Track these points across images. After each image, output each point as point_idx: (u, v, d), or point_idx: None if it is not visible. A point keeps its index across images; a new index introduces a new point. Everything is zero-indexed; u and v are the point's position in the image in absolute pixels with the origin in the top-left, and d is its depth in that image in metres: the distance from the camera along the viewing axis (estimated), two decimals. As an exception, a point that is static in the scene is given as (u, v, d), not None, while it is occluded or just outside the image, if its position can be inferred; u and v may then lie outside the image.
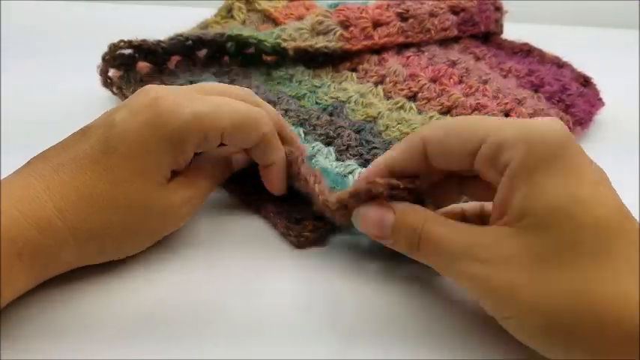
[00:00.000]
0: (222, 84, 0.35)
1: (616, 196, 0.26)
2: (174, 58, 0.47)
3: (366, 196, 0.30)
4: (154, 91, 0.30)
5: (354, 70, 0.48)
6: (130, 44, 0.45)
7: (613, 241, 0.24)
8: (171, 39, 0.46)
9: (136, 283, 0.32)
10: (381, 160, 0.30)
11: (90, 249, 0.29)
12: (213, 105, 0.31)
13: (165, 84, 0.44)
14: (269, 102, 0.42)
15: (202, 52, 0.48)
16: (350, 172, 0.38)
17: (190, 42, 0.46)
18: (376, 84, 0.46)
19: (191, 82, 0.44)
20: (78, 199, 0.28)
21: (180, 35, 0.46)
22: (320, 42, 0.47)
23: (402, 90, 0.45)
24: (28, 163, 0.30)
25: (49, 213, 0.27)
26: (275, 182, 0.35)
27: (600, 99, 0.49)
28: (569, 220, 0.24)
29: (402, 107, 0.44)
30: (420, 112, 0.43)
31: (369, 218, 0.29)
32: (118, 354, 0.28)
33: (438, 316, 0.31)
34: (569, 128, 0.44)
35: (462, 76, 0.46)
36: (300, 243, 0.35)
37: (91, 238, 0.29)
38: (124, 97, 0.44)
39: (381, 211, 0.29)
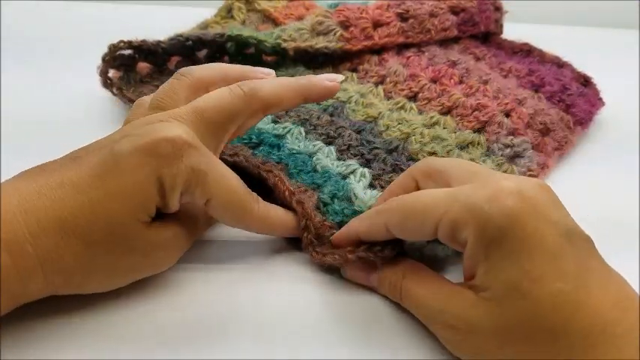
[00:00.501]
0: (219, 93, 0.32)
1: (578, 263, 0.26)
2: (175, 59, 0.47)
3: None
4: (162, 130, 0.29)
5: (354, 70, 0.48)
6: (129, 45, 0.44)
7: (570, 316, 0.25)
8: (171, 39, 0.46)
9: (141, 290, 0.31)
10: (350, 230, 0.32)
11: (56, 281, 0.27)
12: (211, 170, 0.29)
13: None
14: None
15: (202, 53, 0.47)
16: (351, 172, 0.38)
17: (190, 42, 0.46)
18: (376, 84, 0.46)
19: None
20: (54, 227, 0.27)
21: (180, 35, 0.46)
22: (320, 42, 0.47)
23: (403, 90, 0.45)
24: (19, 175, 0.29)
25: (22, 238, 0.26)
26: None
27: (600, 99, 0.49)
28: (524, 297, 0.25)
29: (402, 107, 0.44)
30: (420, 112, 0.43)
31: (357, 276, 0.32)
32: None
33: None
34: (570, 128, 0.44)
35: (462, 77, 0.46)
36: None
37: (59, 271, 0.27)
38: (123, 97, 0.44)
39: (366, 270, 0.32)
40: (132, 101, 0.41)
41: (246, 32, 0.47)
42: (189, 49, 0.47)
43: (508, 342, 0.25)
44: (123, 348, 0.28)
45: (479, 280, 0.26)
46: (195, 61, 0.47)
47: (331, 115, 0.43)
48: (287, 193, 0.35)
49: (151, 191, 0.28)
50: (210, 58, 0.47)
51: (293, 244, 0.35)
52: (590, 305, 0.25)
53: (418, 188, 0.31)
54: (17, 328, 0.28)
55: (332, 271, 0.33)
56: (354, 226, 0.32)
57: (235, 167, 0.35)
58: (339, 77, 0.36)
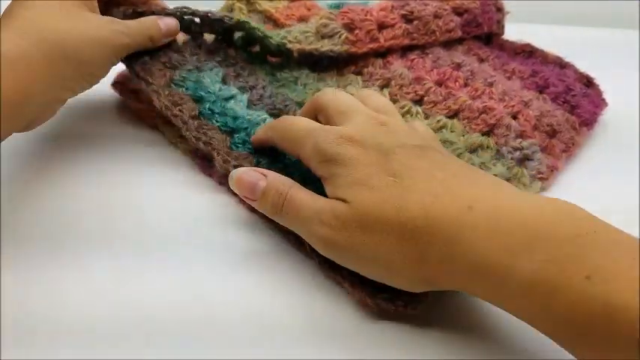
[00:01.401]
0: None
1: (407, 165, 0.30)
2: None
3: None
4: None
5: (359, 73, 0.47)
6: (134, 12, 0.43)
7: (399, 208, 0.29)
8: (179, 11, 0.44)
9: (137, 284, 0.32)
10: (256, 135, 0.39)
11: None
12: None
13: (174, 62, 0.43)
14: (275, 109, 0.43)
15: (209, 39, 0.47)
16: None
17: (198, 20, 0.45)
18: (382, 87, 0.46)
19: (197, 68, 0.43)
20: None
21: (187, 9, 0.44)
22: (325, 45, 0.46)
23: (409, 93, 0.45)
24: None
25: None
26: None
27: (604, 99, 0.49)
28: (371, 190, 0.29)
29: (408, 112, 0.43)
30: (427, 116, 0.43)
31: (244, 181, 0.34)
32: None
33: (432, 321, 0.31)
34: (576, 130, 0.44)
35: (467, 79, 0.46)
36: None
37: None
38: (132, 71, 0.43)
39: (256, 176, 0.33)
40: (139, 76, 0.41)
41: (254, 24, 0.46)
42: (198, 28, 0.45)
43: (367, 232, 0.29)
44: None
45: (333, 196, 0.31)
46: (201, 45, 0.46)
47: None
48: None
49: None
50: (216, 48, 0.46)
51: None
52: (412, 200, 0.28)
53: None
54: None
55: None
56: (257, 132, 0.38)
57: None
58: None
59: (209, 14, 0.45)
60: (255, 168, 0.35)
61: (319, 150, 0.31)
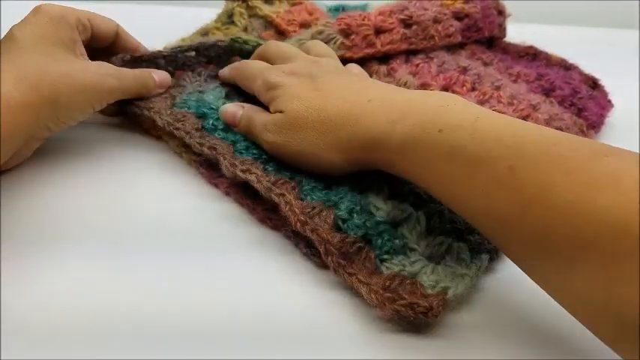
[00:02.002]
0: None
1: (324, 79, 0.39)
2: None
3: None
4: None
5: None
6: (132, 57, 0.44)
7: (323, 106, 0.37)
8: (174, 51, 0.46)
9: (143, 288, 0.32)
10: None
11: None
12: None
13: (174, 94, 0.44)
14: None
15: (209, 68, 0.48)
16: (367, 187, 0.37)
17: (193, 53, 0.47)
18: (388, 94, 0.45)
19: (199, 91, 0.44)
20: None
21: (181, 46, 0.46)
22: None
23: (415, 100, 0.44)
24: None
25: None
26: None
27: (610, 101, 0.49)
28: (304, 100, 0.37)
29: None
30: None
31: (228, 112, 0.42)
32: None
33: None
34: (584, 132, 0.44)
35: (474, 83, 0.45)
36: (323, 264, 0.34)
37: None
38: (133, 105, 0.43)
39: (236, 108, 0.42)
40: (139, 107, 0.42)
41: (246, 37, 0.48)
42: (195, 61, 0.47)
43: (297, 131, 0.36)
44: None
45: (274, 110, 0.39)
46: (201, 72, 0.47)
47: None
48: (299, 225, 0.34)
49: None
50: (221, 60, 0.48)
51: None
52: (329, 104, 0.36)
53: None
54: None
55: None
56: (223, 71, 0.46)
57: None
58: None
59: (201, 43, 0.46)
60: (237, 103, 0.43)
61: (266, 82, 0.40)
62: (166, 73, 0.44)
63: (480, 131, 0.30)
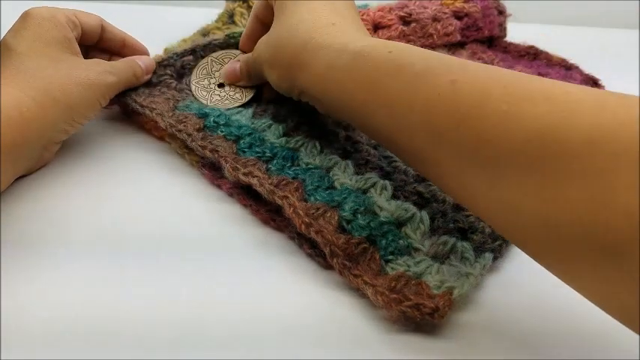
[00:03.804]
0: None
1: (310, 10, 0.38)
2: None
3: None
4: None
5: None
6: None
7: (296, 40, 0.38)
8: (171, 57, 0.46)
9: (145, 289, 0.32)
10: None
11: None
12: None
13: (177, 98, 0.44)
14: (280, 116, 0.42)
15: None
16: (372, 186, 0.37)
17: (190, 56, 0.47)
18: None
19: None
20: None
21: (176, 53, 0.46)
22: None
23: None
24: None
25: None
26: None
27: (610, 101, 0.49)
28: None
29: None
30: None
31: (228, 71, 0.45)
32: None
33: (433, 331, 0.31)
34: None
35: (475, 83, 0.45)
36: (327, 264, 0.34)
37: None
38: (137, 105, 0.43)
39: (234, 64, 0.45)
40: (142, 106, 0.42)
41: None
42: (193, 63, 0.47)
43: (274, 67, 0.39)
44: None
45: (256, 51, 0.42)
46: None
47: (346, 129, 0.42)
48: (303, 227, 0.34)
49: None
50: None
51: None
52: (296, 42, 0.37)
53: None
54: None
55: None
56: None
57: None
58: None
59: (197, 45, 0.47)
60: (233, 60, 0.46)
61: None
62: (150, 58, 0.45)
63: (427, 53, 0.31)
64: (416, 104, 0.29)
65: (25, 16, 0.39)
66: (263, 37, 0.41)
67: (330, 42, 0.35)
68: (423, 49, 0.33)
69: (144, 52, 0.47)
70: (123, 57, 0.45)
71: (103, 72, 0.40)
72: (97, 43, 0.45)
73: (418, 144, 0.30)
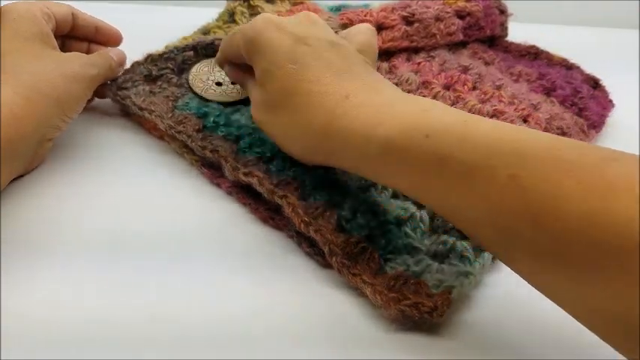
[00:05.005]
0: None
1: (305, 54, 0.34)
2: None
3: None
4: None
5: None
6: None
7: (294, 86, 0.34)
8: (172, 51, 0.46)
9: (145, 288, 0.32)
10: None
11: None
12: None
13: (177, 95, 0.44)
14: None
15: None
16: (371, 185, 0.37)
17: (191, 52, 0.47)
18: (389, 92, 0.45)
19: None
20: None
21: (177, 47, 0.46)
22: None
23: (417, 98, 0.44)
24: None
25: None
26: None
27: (611, 101, 0.49)
28: (273, 77, 0.34)
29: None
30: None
31: (233, 75, 0.41)
32: None
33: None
34: (585, 132, 0.44)
35: (475, 82, 0.45)
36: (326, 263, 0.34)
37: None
38: (134, 106, 0.43)
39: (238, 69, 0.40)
40: (141, 108, 0.42)
41: None
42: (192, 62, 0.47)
43: (272, 109, 0.35)
44: None
45: (255, 76, 0.36)
46: None
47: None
48: (303, 226, 0.34)
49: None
50: None
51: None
52: (301, 88, 0.33)
53: None
54: None
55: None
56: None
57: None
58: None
59: (199, 42, 0.47)
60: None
61: (244, 34, 0.36)
62: (121, 50, 0.44)
63: (470, 136, 0.27)
64: (472, 200, 0.27)
65: (1, 14, 0.39)
66: (258, 103, 0.36)
67: (351, 126, 0.31)
68: (456, 122, 0.29)
69: (117, 36, 0.46)
70: (97, 43, 0.45)
71: (85, 64, 0.40)
72: (71, 32, 0.44)
73: (486, 241, 0.28)
